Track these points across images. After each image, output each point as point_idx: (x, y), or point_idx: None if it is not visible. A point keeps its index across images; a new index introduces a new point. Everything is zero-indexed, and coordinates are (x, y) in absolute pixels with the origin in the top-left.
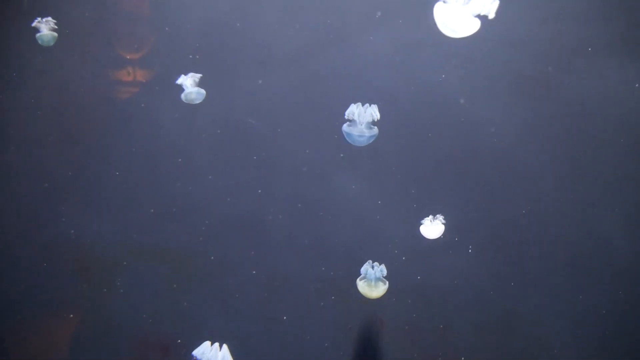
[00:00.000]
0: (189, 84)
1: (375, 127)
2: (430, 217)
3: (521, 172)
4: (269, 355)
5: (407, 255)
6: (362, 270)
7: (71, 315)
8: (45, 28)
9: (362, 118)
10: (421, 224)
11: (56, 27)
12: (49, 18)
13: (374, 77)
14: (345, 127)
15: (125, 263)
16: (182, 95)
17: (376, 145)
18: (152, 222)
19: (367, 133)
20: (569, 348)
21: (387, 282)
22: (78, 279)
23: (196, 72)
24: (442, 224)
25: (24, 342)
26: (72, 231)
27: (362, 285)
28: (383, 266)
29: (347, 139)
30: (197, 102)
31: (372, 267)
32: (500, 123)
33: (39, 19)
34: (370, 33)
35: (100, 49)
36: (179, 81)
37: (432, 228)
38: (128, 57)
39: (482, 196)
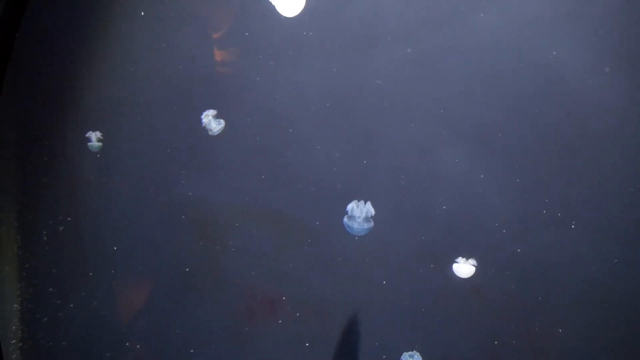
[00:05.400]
0: (213, 124)
1: (372, 221)
2: (463, 259)
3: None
4: (370, 317)
5: (507, 228)
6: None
7: (187, 270)
8: (94, 138)
9: (359, 214)
10: (455, 262)
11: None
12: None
13: (482, 55)
14: (345, 219)
15: (237, 224)
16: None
17: (480, 119)
18: (263, 188)
19: (365, 226)
20: None
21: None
22: (194, 236)
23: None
24: (473, 266)
25: (143, 290)
26: (190, 193)
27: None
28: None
29: (347, 230)
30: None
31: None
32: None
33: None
34: (481, 10)
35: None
36: (204, 124)
37: (464, 267)
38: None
39: (589, 172)
